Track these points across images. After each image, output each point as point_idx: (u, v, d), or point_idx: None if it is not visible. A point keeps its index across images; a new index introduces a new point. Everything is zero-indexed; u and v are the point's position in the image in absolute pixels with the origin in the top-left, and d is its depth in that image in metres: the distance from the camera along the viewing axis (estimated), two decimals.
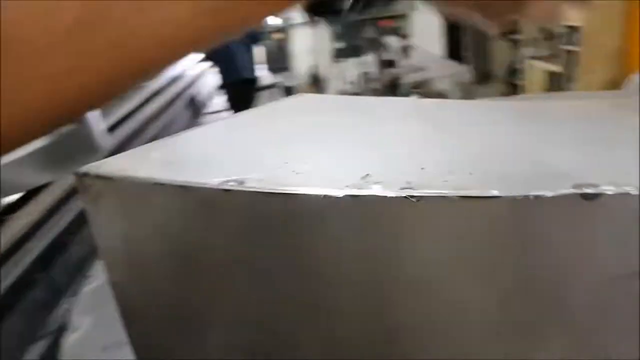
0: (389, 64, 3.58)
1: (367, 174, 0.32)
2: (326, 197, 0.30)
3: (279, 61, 3.77)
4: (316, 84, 3.60)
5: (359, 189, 0.30)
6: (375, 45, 3.72)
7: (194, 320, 0.40)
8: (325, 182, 0.32)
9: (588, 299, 0.30)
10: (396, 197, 0.29)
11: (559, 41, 4.60)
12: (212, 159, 0.41)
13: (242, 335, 0.38)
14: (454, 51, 6.23)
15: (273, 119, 0.55)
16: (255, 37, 4.24)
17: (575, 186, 0.28)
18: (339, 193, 0.30)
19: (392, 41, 3.72)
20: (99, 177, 0.39)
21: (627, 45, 4.23)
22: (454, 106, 0.61)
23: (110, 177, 0.38)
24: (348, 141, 0.42)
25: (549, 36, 5.33)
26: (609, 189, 0.27)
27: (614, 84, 2.75)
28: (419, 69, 3.31)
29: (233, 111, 4.62)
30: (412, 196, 0.29)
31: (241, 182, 0.33)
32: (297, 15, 3.44)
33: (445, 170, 0.32)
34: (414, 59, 3.57)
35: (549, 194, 0.27)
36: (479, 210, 0.28)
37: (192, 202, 0.35)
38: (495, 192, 0.28)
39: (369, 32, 3.67)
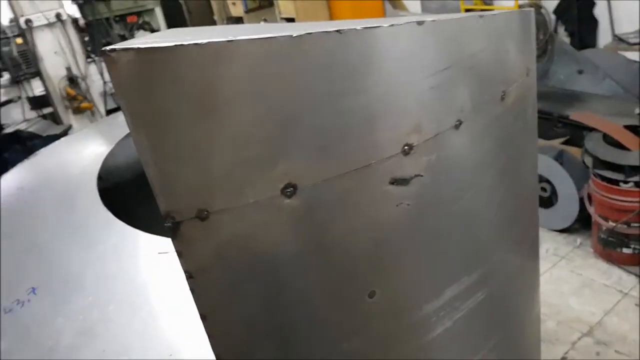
0: None
1: None
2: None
3: (23, 68, 3.50)
4: (74, 85, 3.48)
5: None
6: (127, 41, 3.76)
7: None
8: None
9: None
10: None
11: None
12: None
13: None
14: None
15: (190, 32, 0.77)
16: None
17: None
18: None
19: (143, 36, 3.83)
20: (127, 50, 0.56)
21: None
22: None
23: (139, 48, 0.56)
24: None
25: None
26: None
27: None
28: None
29: None
30: None
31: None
32: (39, 16, 3.27)
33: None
34: None
35: None
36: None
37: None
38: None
39: (118, 29, 3.71)
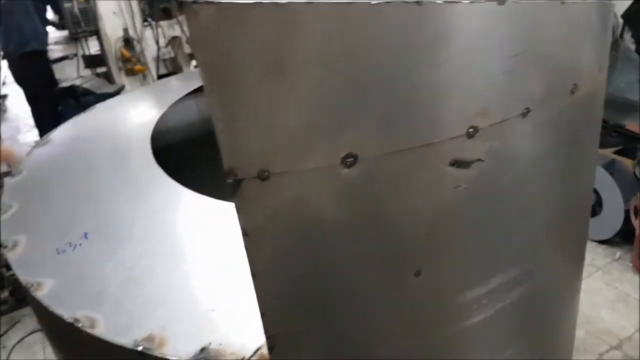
0: None
1: None
2: None
3: (82, 26, 3.59)
4: (129, 47, 3.56)
5: None
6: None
7: None
8: None
9: None
10: None
11: None
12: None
13: None
14: None
15: None
16: None
17: None
18: None
19: None
20: (208, 3, 0.57)
21: None
22: None
23: (220, 2, 0.57)
24: None
25: None
26: None
27: None
28: None
29: (24, 91, 4.16)
30: None
31: None
32: None
33: None
34: None
35: None
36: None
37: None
38: None
39: None
